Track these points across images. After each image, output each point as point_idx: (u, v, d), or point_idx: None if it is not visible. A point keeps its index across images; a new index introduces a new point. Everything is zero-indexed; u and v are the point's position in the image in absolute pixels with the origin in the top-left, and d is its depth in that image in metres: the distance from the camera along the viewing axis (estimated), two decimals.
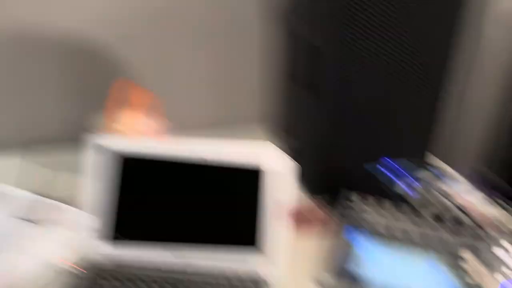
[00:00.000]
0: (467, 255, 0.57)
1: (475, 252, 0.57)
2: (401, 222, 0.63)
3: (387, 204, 0.65)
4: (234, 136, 0.63)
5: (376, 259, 0.59)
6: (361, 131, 0.74)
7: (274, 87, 1.10)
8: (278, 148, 0.58)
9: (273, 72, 1.07)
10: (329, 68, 0.70)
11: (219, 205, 0.60)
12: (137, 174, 0.60)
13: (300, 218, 0.69)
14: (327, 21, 0.69)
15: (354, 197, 0.67)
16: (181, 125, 1.06)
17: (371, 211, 0.65)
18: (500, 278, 0.54)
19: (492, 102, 1.20)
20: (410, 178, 0.74)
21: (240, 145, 0.59)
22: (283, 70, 0.87)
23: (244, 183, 0.59)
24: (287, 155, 0.58)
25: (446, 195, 0.72)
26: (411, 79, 0.73)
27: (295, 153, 0.76)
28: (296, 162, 0.58)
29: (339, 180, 0.75)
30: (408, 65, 0.71)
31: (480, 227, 0.62)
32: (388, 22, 0.66)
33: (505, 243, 0.58)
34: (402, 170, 0.76)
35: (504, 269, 0.55)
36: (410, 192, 0.65)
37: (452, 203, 0.69)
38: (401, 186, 0.70)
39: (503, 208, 0.67)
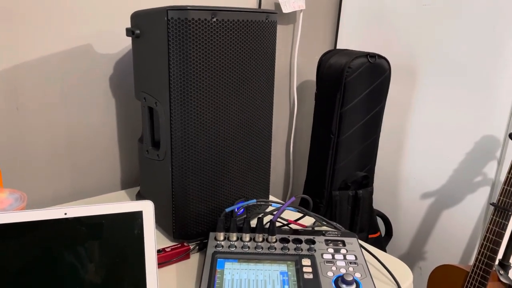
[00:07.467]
0: (306, 262, 0.79)
1: (312, 259, 0.79)
2: (257, 246, 0.82)
3: (246, 235, 0.84)
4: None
5: (242, 277, 0.75)
6: (210, 180, 0.88)
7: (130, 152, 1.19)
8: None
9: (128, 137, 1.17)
10: (163, 126, 0.84)
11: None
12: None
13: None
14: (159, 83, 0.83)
15: (220, 235, 0.84)
16: (41, 200, 1.08)
17: (234, 243, 0.82)
18: (331, 274, 0.76)
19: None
20: (261, 213, 0.95)
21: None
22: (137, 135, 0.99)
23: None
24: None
25: (285, 222, 0.96)
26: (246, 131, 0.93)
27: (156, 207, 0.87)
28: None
29: (205, 224, 0.91)
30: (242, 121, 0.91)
31: (311, 239, 0.84)
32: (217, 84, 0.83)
33: (330, 250, 0.82)
34: (253, 208, 0.97)
35: (333, 268, 0.77)
36: (260, 223, 0.85)
37: (289, 227, 0.92)
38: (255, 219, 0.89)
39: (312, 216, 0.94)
